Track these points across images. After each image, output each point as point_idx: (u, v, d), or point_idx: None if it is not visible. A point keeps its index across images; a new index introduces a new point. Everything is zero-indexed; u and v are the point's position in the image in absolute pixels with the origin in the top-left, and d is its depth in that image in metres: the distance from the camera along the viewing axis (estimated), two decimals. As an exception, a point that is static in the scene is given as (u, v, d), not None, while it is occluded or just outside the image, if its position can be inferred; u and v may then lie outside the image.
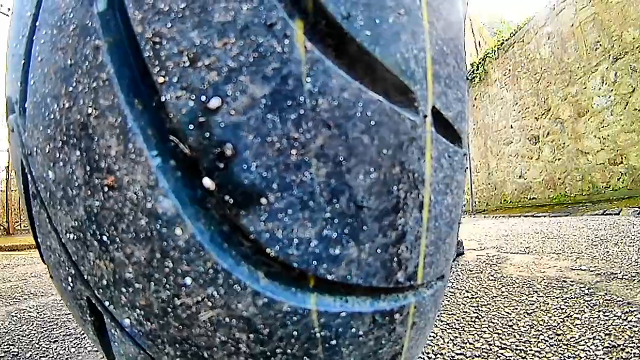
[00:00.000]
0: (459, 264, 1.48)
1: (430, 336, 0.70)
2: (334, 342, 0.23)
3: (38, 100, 0.24)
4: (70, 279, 0.26)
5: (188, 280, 0.20)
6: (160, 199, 0.19)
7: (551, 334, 0.66)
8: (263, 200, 0.19)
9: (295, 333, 0.22)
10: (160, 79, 0.19)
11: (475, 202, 8.29)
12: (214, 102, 0.19)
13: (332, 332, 0.23)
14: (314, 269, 0.21)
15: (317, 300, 0.22)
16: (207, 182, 0.19)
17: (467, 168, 0.32)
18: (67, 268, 0.26)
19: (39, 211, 0.26)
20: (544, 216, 4.55)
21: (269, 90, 0.19)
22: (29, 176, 0.26)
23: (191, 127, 0.19)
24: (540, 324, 0.72)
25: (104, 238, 0.22)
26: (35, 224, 0.28)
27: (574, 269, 1.19)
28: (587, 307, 0.79)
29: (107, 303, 0.24)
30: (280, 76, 0.19)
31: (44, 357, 0.70)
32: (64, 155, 0.22)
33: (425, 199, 0.25)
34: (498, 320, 0.76)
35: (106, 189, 0.21)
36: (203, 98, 0.19)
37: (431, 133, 0.24)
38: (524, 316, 0.77)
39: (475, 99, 8.24)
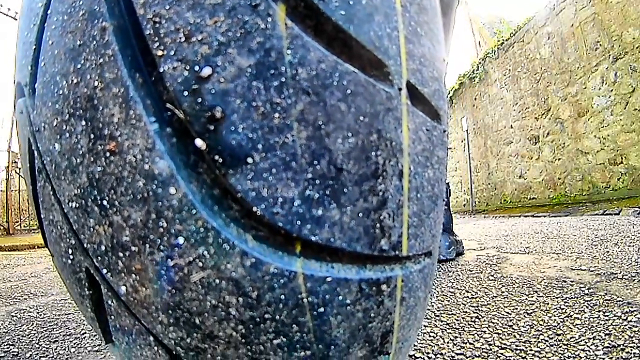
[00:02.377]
0: (459, 264, 1.48)
1: (430, 336, 0.70)
2: (322, 309, 0.23)
3: (47, 79, 0.26)
4: (70, 251, 0.27)
5: (180, 240, 0.22)
6: (157, 160, 0.21)
7: (551, 334, 0.66)
8: (249, 160, 0.21)
9: (282, 297, 0.23)
10: (159, 52, 0.21)
11: (475, 202, 8.29)
12: (206, 71, 0.21)
13: (320, 298, 0.23)
14: (298, 229, 0.22)
15: (304, 264, 0.23)
16: (199, 142, 0.21)
17: (449, 147, 0.33)
18: (67, 239, 0.27)
19: (43, 185, 0.28)
20: (544, 216, 4.55)
21: (253, 61, 0.21)
22: (35, 152, 0.28)
23: (185, 93, 0.21)
24: (540, 324, 0.72)
25: (104, 202, 0.23)
26: (39, 200, 0.30)
27: (574, 269, 1.19)
28: (587, 307, 0.79)
29: (104, 271, 0.25)
30: (263, 49, 0.21)
31: (44, 357, 0.70)
32: (70, 127, 0.24)
33: (405, 168, 0.26)
34: (498, 320, 0.76)
35: (108, 154, 0.23)
36: (196, 68, 0.21)
37: (407, 105, 0.26)
38: (524, 316, 0.77)
39: (475, 99, 8.24)
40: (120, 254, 0.24)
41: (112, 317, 0.27)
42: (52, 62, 0.25)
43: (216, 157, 0.21)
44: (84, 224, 0.25)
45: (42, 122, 0.26)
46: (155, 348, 0.26)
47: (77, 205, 0.25)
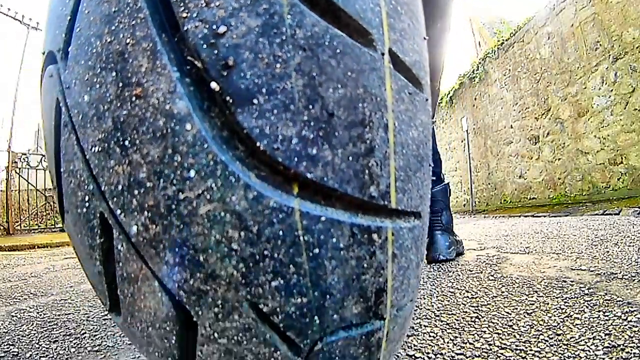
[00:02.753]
0: (459, 264, 1.48)
1: (430, 336, 0.70)
2: (317, 250, 0.26)
3: (82, 41, 0.30)
4: (87, 198, 0.31)
5: (192, 173, 0.25)
6: (177, 101, 0.25)
7: (551, 334, 0.66)
8: (255, 101, 0.25)
9: (280, 233, 0.25)
10: (184, 15, 0.26)
11: (475, 202, 8.29)
12: (222, 29, 0.25)
13: (315, 237, 0.26)
14: (296, 165, 0.25)
15: (300, 202, 0.26)
16: (214, 84, 0.25)
17: (433, 121, 0.35)
18: (85, 186, 0.30)
19: (67, 138, 0.32)
20: (544, 216, 4.55)
21: (260, 22, 0.26)
22: (62, 108, 0.32)
23: (204, 46, 0.25)
24: (540, 324, 0.72)
25: (126, 142, 0.27)
26: (60, 154, 0.33)
27: (574, 269, 1.19)
28: (587, 307, 0.79)
29: (118, 212, 0.28)
30: (268, 14, 0.26)
31: (44, 357, 0.70)
32: (100, 79, 0.28)
33: (390, 123, 0.29)
34: (498, 320, 0.76)
35: (134, 98, 0.27)
36: (214, 27, 0.26)
37: (389, 69, 0.30)
38: (524, 316, 0.77)
39: (475, 99, 8.24)
40: (136, 192, 0.27)
41: (120, 263, 0.30)
42: (87, 27, 0.30)
43: (227, 98, 0.25)
44: (104, 167, 0.28)
45: (73, 79, 0.31)
46: (159, 295, 0.28)
47: (100, 149, 0.28)
